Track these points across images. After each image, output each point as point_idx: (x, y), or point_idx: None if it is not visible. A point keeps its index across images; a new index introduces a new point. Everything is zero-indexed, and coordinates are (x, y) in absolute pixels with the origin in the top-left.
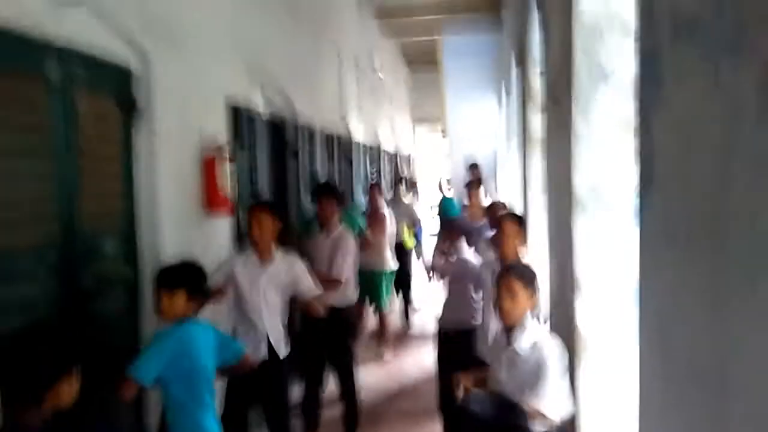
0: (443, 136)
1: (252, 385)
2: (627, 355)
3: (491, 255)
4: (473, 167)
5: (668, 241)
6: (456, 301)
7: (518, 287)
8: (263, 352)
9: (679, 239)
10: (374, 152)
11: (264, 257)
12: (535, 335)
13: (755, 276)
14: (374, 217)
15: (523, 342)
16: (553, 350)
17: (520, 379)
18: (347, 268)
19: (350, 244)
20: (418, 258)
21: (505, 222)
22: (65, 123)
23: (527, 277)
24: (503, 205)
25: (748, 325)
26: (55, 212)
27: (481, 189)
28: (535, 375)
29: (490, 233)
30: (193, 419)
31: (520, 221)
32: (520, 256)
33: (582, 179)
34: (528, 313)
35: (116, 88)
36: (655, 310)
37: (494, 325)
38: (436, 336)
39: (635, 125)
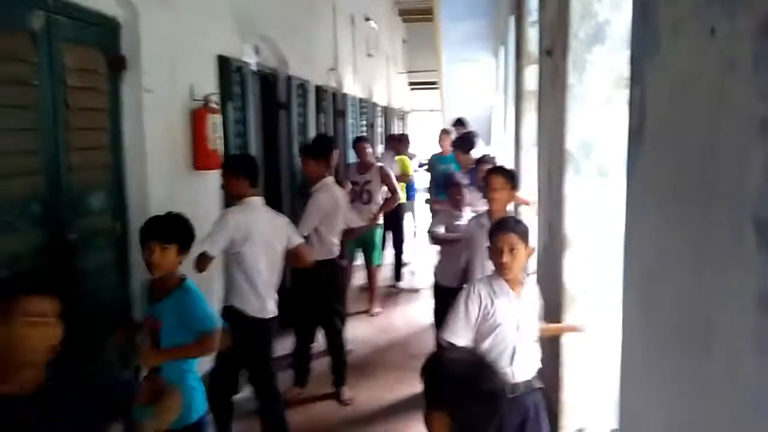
0: (438, 91)
1: (242, 344)
2: (612, 311)
3: (480, 209)
4: (458, 123)
5: (656, 195)
6: (449, 256)
7: (516, 241)
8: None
9: (667, 193)
10: (368, 107)
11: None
12: (530, 283)
13: (742, 233)
14: (386, 178)
15: (529, 292)
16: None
17: (534, 319)
18: (306, 224)
19: (316, 201)
20: (412, 215)
21: (492, 176)
22: (50, 75)
23: (523, 230)
24: (492, 159)
25: (732, 281)
26: (39, 165)
27: (475, 146)
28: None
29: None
30: (189, 364)
31: (508, 174)
32: (509, 209)
33: (574, 135)
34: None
35: (103, 41)
36: (640, 263)
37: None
38: (433, 289)
39: (628, 79)
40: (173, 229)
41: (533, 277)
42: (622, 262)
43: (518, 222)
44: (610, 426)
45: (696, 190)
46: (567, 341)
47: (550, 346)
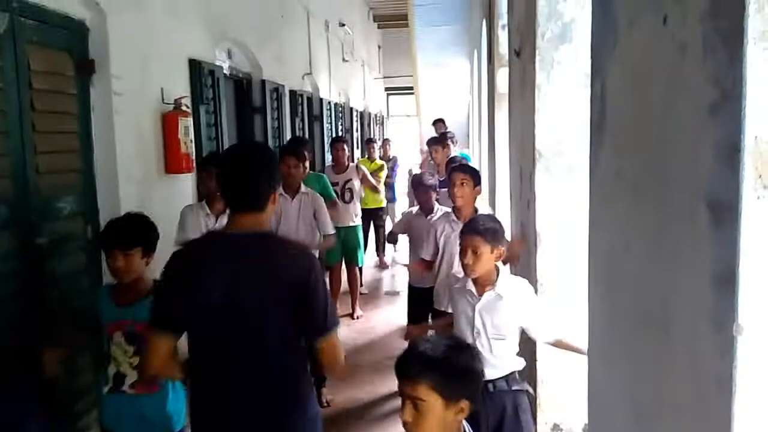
0: (414, 96)
1: None
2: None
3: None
4: (438, 122)
5: (617, 184)
6: (419, 257)
7: (479, 243)
8: None
9: (627, 182)
10: (344, 111)
11: (217, 210)
12: (508, 279)
13: (695, 215)
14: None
15: (501, 287)
16: (528, 286)
17: (506, 320)
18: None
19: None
20: (392, 218)
21: (453, 173)
22: (16, 78)
23: (490, 231)
24: (461, 160)
25: (688, 263)
26: (6, 168)
27: (450, 145)
28: (522, 310)
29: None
30: None
31: (468, 171)
32: (475, 206)
33: (544, 134)
34: (494, 262)
35: (70, 44)
36: (603, 253)
37: (453, 279)
38: (408, 290)
39: (590, 72)
40: (133, 233)
41: (516, 278)
42: (588, 251)
43: (487, 223)
44: (584, 421)
45: (652, 177)
46: None
47: (525, 344)
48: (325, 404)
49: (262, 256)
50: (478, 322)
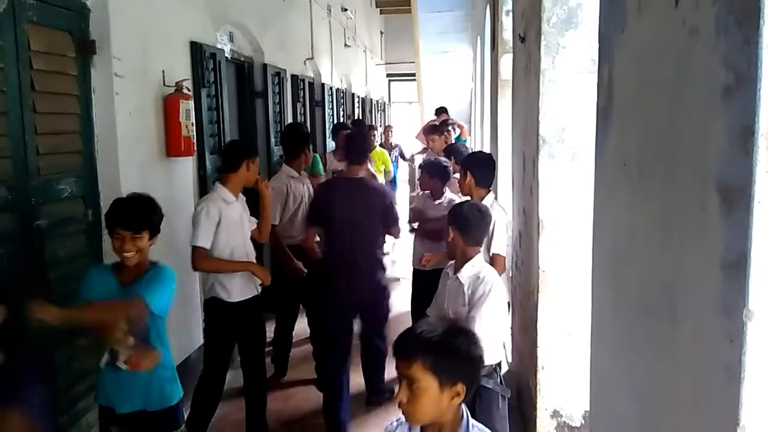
0: (416, 82)
1: (233, 324)
2: (587, 293)
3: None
4: (440, 111)
5: (623, 171)
6: (424, 242)
7: (450, 228)
8: (257, 288)
9: (633, 168)
10: (346, 97)
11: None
12: (476, 269)
13: (705, 200)
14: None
15: (464, 273)
16: (491, 289)
17: (458, 309)
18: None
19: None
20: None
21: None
22: (16, 58)
23: (458, 218)
24: (461, 145)
25: (696, 249)
26: (6, 148)
27: (451, 131)
28: (469, 306)
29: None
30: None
31: (477, 161)
32: (476, 196)
33: (548, 120)
34: (471, 249)
35: (71, 24)
36: (608, 239)
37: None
38: (412, 276)
39: (597, 57)
40: (143, 216)
41: (489, 272)
42: (592, 239)
43: (460, 210)
44: (584, 408)
45: (660, 163)
46: (542, 325)
47: (526, 330)
48: None
49: (366, 191)
50: (446, 303)
